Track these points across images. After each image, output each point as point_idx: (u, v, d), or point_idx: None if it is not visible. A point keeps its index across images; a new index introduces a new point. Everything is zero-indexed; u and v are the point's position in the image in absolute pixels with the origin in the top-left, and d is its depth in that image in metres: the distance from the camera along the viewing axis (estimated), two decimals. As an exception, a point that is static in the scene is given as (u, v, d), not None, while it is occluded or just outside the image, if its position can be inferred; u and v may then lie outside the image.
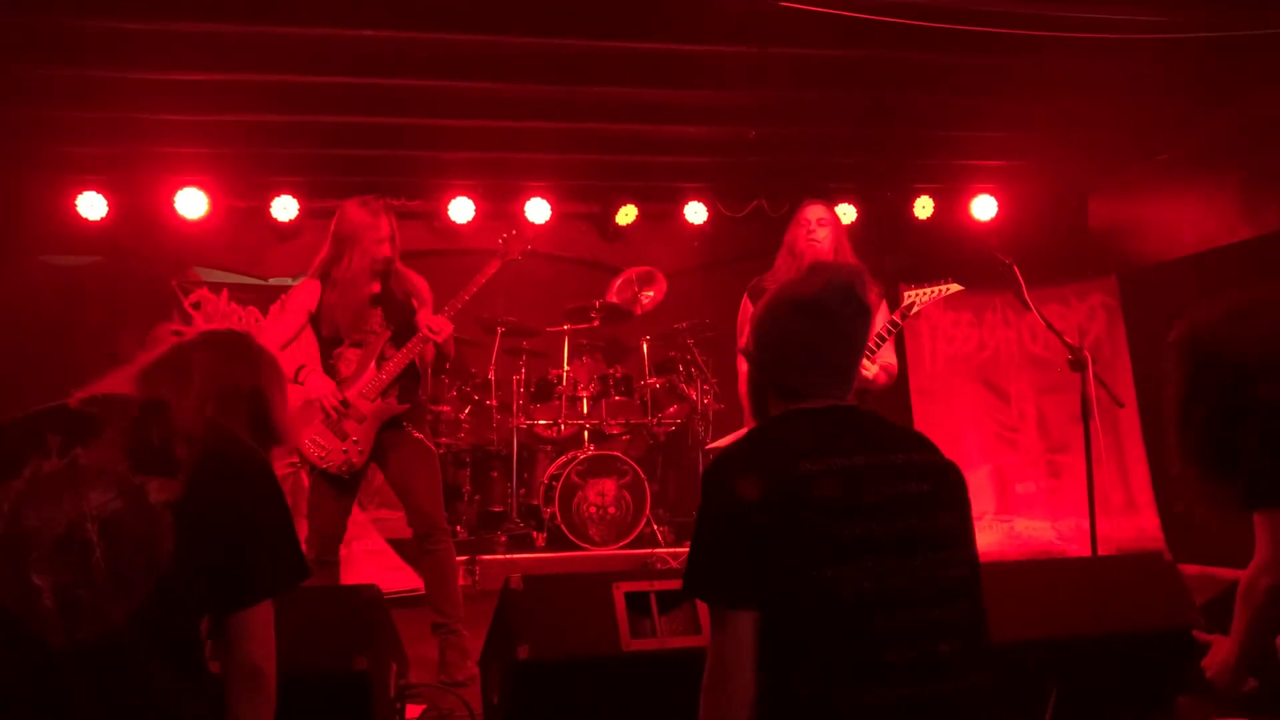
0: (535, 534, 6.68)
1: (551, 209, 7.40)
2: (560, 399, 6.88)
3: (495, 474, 7.03)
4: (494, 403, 6.93)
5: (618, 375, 6.98)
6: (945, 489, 1.95)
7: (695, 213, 7.62)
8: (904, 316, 4.44)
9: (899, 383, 4.93)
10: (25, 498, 1.77)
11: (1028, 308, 4.22)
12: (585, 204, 7.72)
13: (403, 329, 4.29)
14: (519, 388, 6.86)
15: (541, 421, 6.90)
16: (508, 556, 6.35)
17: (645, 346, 7.19)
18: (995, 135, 6.73)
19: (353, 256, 4.18)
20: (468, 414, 6.91)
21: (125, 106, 5.68)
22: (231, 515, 1.87)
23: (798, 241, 4.54)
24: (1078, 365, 3.90)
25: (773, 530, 1.82)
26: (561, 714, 2.86)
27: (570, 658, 2.83)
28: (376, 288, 4.26)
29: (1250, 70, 5.62)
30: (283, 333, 4.27)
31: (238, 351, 2.12)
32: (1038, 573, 3.00)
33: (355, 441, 4.16)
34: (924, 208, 7.55)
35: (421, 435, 4.37)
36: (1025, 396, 7.03)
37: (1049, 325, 4.20)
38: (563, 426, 6.89)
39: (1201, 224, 6.48)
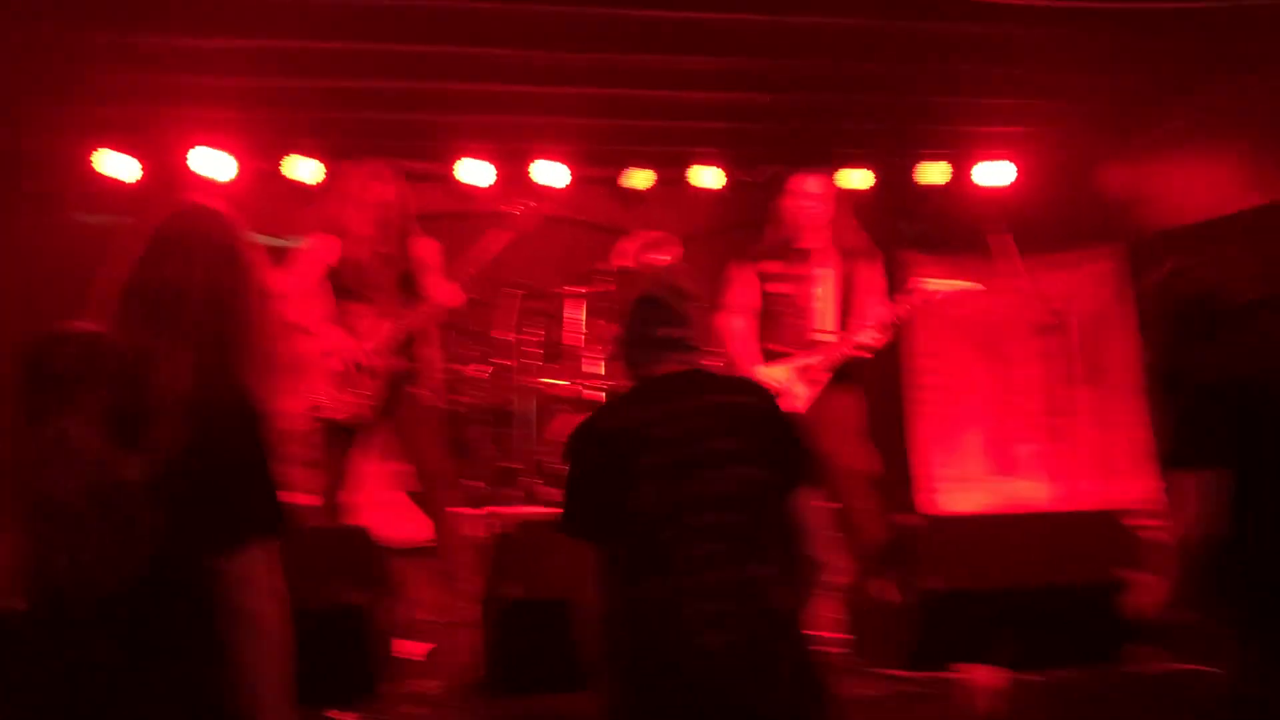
0: (550, 490, 6.84)
1: (569, 173, 7.51)
2: (577, 361, 7.00)
3: (513, 432, 7.18)
4: (513, 363, 7.07)
5: (633, 338, 7.05)
6: (732, 422, 2.56)
7: (711, 177, 7.70)
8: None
9: (902, 342, 4.95)
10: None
11: (1015, 275, 4.30)
12: (600, 168, 7.81)
13: (412, 290, 4.45)
14: (536, 349, 7.00)
15: (559, 382, 7.03)
16: (522, 509, 6.51)
17: (659, 310, 7.26)
18: (1007, 102, 6.75)
19: (362, 217, 4.33)
20: (489, 374, 7.08)
21: (156, 70, 5.84)
22: (215, 475, 1.86)
23: (785, 211, 4.59)
24: (1055, 330, 3.98)
25: (598, 468, 2.67)
26: (552, 654, 3.02)
27: (562, 600, 2.99)
28: (389, 248, 4.41)
29: (1264, 40, 5.61)
30: (304, 283, 4.42)
31: (222, 268, 2.02)
32: (999, 526, 3.12)
33: (368, 395, 4.33)
34: (938, 173, 7.58)
35: (427, 394, 4.53)
36: (1025, 360, 7.05)
37: (1032, 291, 4.28)
38: (581, 388, 7.01)
39: (1211, 191, 6.48)
